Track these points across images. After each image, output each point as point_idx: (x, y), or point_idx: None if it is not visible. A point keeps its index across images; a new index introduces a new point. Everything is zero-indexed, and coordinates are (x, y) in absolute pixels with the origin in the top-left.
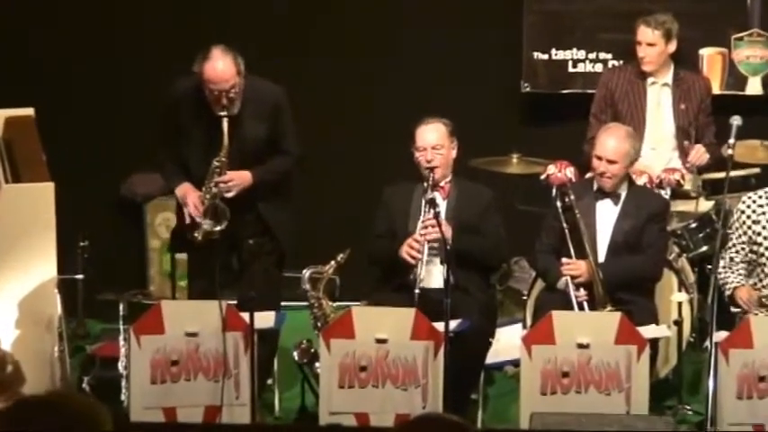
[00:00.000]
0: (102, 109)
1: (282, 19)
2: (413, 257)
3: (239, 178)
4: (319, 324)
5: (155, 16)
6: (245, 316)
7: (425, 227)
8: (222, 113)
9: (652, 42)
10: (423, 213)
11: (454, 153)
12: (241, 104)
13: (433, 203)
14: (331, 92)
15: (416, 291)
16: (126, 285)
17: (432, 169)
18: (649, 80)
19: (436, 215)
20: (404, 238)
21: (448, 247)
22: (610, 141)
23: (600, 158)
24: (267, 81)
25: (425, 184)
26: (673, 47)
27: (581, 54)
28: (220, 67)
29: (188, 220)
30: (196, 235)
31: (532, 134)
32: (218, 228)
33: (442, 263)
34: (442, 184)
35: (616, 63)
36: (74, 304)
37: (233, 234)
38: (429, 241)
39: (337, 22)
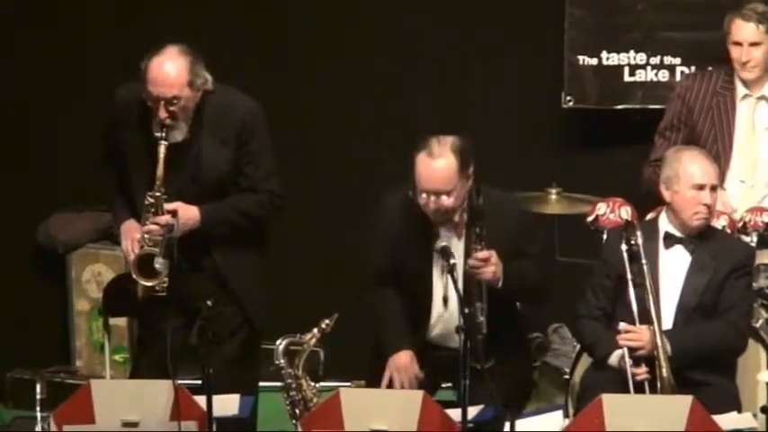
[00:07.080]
0: (10, 131)
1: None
2: None
3: (183, 214)
4: (298, 411)
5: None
6: (201, 401)
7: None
8: (158, 134)
9: (757, 41)
10: (435, 266)
11: (470, 182)
12: (201, 124)
13: (445, 253)
14: (331, 104)
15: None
16: (44, 360)
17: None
18: (741, 92)
19: (450, 269)
20: (416, 286)
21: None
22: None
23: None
24: (240, 94)
25: (435, 229)
26: None
27: (641, 58)
28: (167, 67)
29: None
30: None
31: (577, 162)
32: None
33: (457, 330)
34: (455, 218)
35: (686, 70)
36: None
37: (186, 295)
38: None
39: (349, 19)
